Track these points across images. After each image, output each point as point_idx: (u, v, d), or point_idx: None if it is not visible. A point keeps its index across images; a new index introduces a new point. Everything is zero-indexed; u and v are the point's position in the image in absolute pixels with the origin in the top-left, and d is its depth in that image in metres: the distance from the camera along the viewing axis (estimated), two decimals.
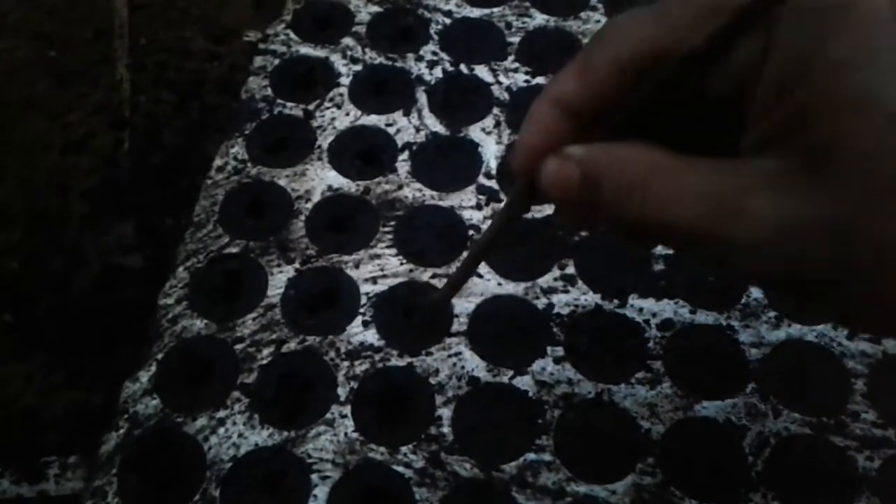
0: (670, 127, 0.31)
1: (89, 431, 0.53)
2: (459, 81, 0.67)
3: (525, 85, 0.67)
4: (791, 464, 0.50)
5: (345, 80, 0.67)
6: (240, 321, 0.56)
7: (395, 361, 0.54)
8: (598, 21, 0.70)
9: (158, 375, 0.54)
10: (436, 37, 0.70)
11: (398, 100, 0.66)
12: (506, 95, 0.66)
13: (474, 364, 0.54)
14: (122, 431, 0.52)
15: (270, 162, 0.63)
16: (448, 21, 0.71)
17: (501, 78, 0.67)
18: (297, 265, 0.58)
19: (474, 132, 0.64)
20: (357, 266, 0.58)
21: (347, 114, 0.65)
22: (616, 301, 0.56)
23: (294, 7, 0.72)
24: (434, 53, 0.69)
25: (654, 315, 0.56)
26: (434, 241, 0.59)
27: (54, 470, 0.52)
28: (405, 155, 0.63)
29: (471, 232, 0.59)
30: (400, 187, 0.61)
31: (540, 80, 0.67)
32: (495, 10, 0.71)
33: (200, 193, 0.62)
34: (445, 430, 0.52)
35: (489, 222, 0.46)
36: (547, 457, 0.51)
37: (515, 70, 0.68)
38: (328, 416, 0.52)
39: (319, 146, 0.64)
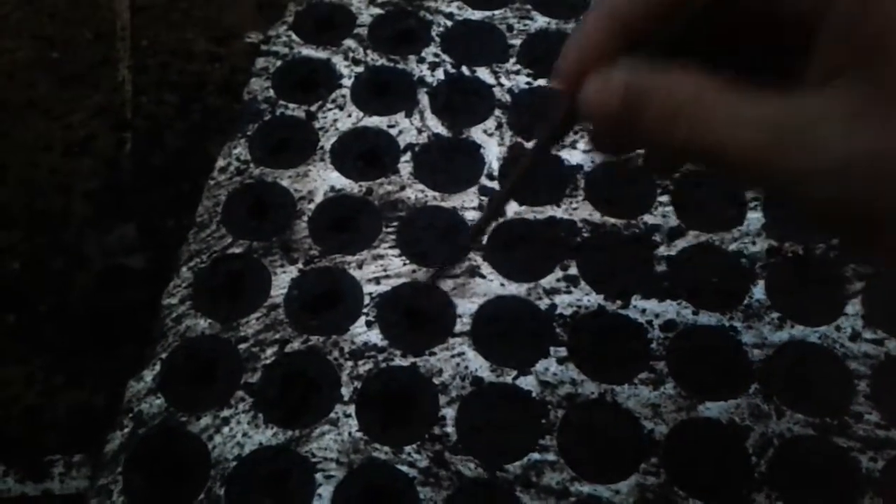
0: (728, 60, 0.30)
1: (93, 431, 0.53)
2: (461, 83, 0.67)
3: (526, 87, 0.67)
4: (794, 464, 0.50)
5: (347, 82, 0.68)
6: (243, 321, 0.56)
7: (399, 361, 0.54)
8: None
9: (162, 375, 0.54)
10: (437, 39, 0.70)
11: (400, 101, 0.66)
12: (507, 97, 0.66)
13: (478, 364, 0.54)
14: (126, 430, 0.52)
15: (273, 163, 0.63)
16: (450, 23, 0.71)
17: (503, 80, 0.67)
18: (300, 265, 0.58)
19: (476, 134, 0.64)
20: (360, 266, 0.58)
21: (349, 115, 0.66)
22: (619, 302, 0.57)
23: (296, 9, 0.72)
24: (436, 55, 0.69)
25: (656, 316, 0.56)
26: (436, 241, 0.59)
27: (59, 469, 0.52)
28: (407, 156, 0.63)
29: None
30: (402, 188, 0.62)
31: (541, 82, 0.67)
32: (497, 12, 0.72)
33: (203, 194, 0.62)
34: (449, 429, 0.52)
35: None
36: (551, 457, 0.51)
37: (517, 72, 0.68)
38: (332, 415, 0.52)
39: (322, 147, 0.64)
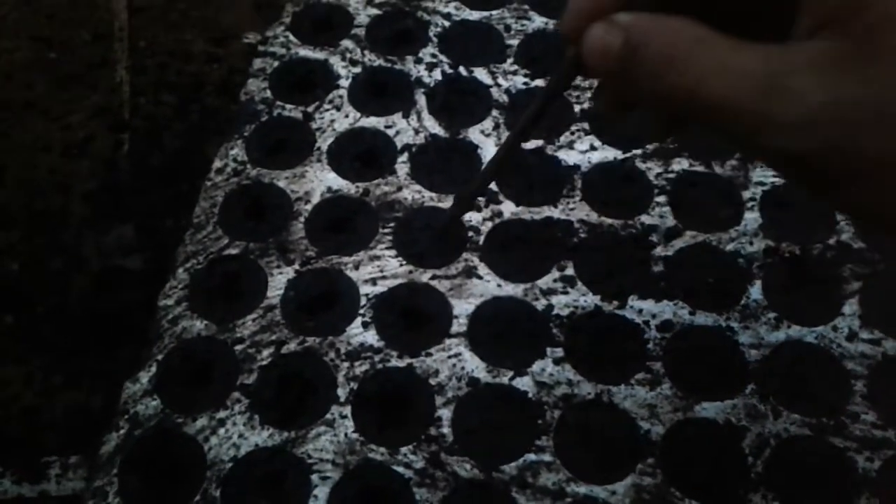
0: (724, 12, 0.31)
1: (90, 432, 0.53)
2: (458, 84, 0.67)
3: (524, 87, 0.67)
4: (791, 465, 0.50)
5: (344, 83, 0.68)
6: (240, 322, 0.56)
7: (395, 362, 0.54)
8: None
9: (159, 376, 0.54)
10: (435, 39, 0.70)
11: (397, 102, 0.66)
12: (505, 98, 0.66)
13: (474, 365, 0.54)
14: (122, 432, 0.52)
15: (270, 164, 0.63)
16: (447, 23, 0.71)
17: (500, 80, 0.67)
18: (296, 266, 0.58)
19: (473, 134, 0.64)
20: (357, 267, 0.58)
21: (347, 116, 0.66)
22: (615, 302, 0.57)
23: (293, 9, 0.72)
24: (433, 56, 0.69)
25: (653, 316, 0.56)
26: (433, 242, 0.59)
27: (55, 470, 0.52)
28: (404, 157, 0.63)
29: (470, 233, 0.59)
30: (399, 189, 0.62)
31: (539, 82, 0.67)
32: (494, 12, 0.72)
33: (200, 195, 0.62)
34: (445, 430, 0.52)
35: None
36: (547, 457, 0.51)
37: (514, 72, 0.68)
38: (328, 416, 0.52)
39: (319, 148, 0.64)
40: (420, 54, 0.69)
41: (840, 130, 0.27)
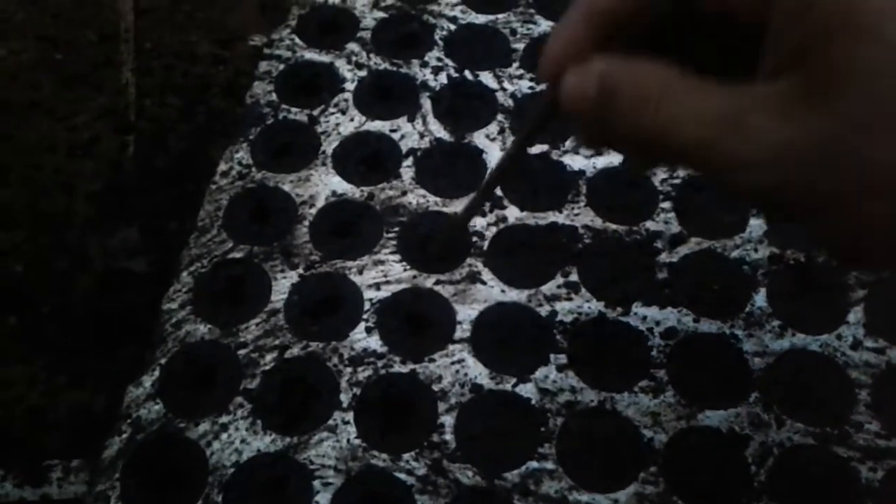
0: (695, 52, 0.32)
1: (92, 435, 0.53)
2: (464, 88, 0.67)
3: (529, 91, 0.67)
4: (794, 474, 0.50)
5: (349, 86, 0.68)
6: (243, 326, 0.56)
7: (398, 368, 0.54)
8: None
9: (161, 380, 0.54)
10: (440, 43, 0.70)
11: (402, 106, 0.66)
12: (510, 102, 0.66)
13: (477, 371, 0.54)
14: (125, 436, 0.52)
15: (275, 167, 0.63)
16: (453, 27, 0.71)
17: (506, 84, 0.67)
18: (300, 271, 0.58)
19: (479, 138, 0.64)
20: (361, 272, 0.58)
21: (352, 119, 0.66)
22: (619, 309, 0.56)
23: (299, 12, 0.72)
24: (439, 59, 0.69)
25: (657, 323, 0.56)
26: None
27: (57, 473, 0.52)
28: (409, 161, 0.63)
29: (475, 238, 0.59)
30: (404, 193, 0.62)
31: (544, 86, 0.67)
32: (500, 16, 0.71)
33: (205, 198, 0.62)
34: (448, 437, 0.52)
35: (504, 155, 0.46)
36: (549, 465, 0.51)
37: (520, 77, 0.68)
38: (331, 422, 0.52)
39: (324, 152, 0.64)
40: (426, 58, 0.69)
41: (794, 169, 0.27)
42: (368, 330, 0.56)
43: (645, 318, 0.56)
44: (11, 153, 0.66)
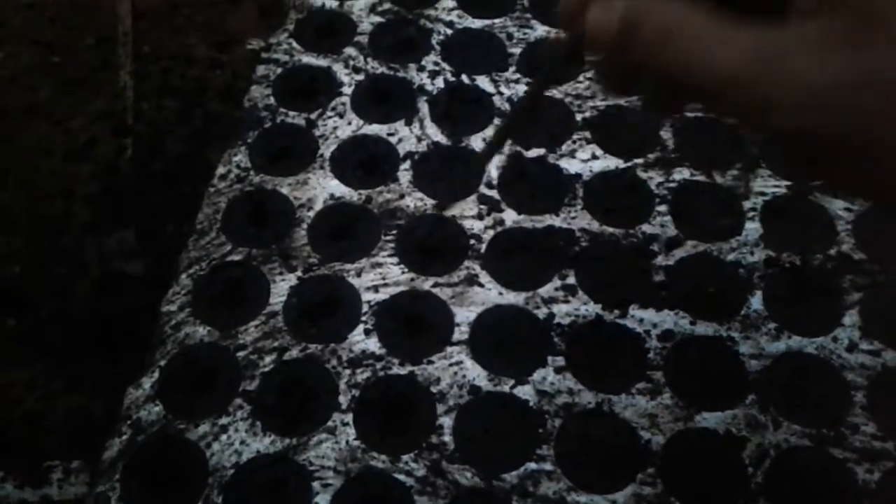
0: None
1: (92, 437, 0.53)
2: (461, 92, 0.68)
3: (526, 96, 0.67)
4: (790, 476, 0.51)
5: (347, 90, 0.68)
6: (242, 329, 0.56)
7: (397, 370, 0.54)
8: None
9: (161, 382, 0.54)
10: (438, 47, 0.70)
11: (400, 109, 0.67)
12: (507, 106, 0.67)
13: (475, 373, 0.54)
14: (125, 437, 0.52)
15: (273, 170, 0.63)
16: (450, 31, 0.71)
17: (503, 88, 0.68)
18: (299, 273, 0.58)
19: (476, 142, 0.65)
20: (359, 274, 0.58)
21: (349, 123, 0.66)
22: (617, 311, 0.57)
23: (297, 16, 0.72)
24: (436, 64, 0.69)
25: (654, 326, 0.56)
26: (435, 250, 0.59)
27: (58, 475, 0.52)
28: (407, 164, 0.63)
29: (472, 241, 0.59)
30: (402, 196, 0.62)
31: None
32: (497, 21, 0.72)
33: (203, 201, 0.62)
34: (446, 438, 0.52)
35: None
36: (547, 466, 0.51)
37: (517, 81, 0.68)
38: (330, 423, 0.52)
39: (322, 155, 0.64)
40: (423, 62, 0.69)
41: (831, 110, 0.27)
42: (367, 332, 0.56)
43: (642, 320, 0.56)
44: (9, 157, 0.66)
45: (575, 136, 0.65)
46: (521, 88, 0.68)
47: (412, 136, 0.65)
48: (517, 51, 0.70)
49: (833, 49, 0.27)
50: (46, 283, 0.60)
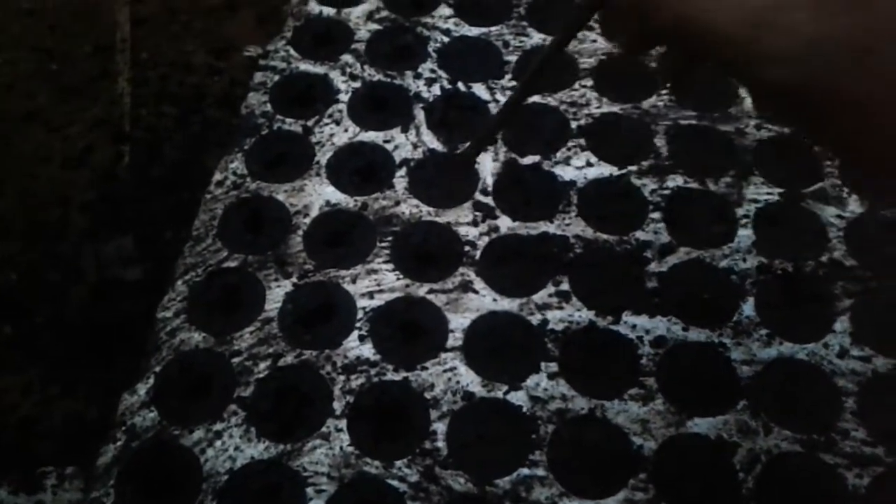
0: None
1: (86, 443, 0.53)
2: (457, 99, 0.68)
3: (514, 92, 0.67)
4: (781, 481, 0.51)
5: (344, 97, 0.68)
6: (237, 335, 0.56)
7: (391, 376, 0.55)
8: (595, 41, 0.71)
9: (156, 388, 0.54)
10: (434, 55, 0.71)
11: (396, 117, 0.67)
12: None
13: (469, 379, 0.54)
14: (119, 443, 0.52)
15: (269, 177, 0.64)
16: (446, 39, 0.72)
17: (498, 96, 0.68)
18: (294, 279, 0.59)
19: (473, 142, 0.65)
20: (354, 281, 0.58)
21: (346, 130, 0.66)
22: (610, 318, 0.57)
23: (294, 24, 0.73)
24: (432, 71, 0.70)
25: (647, 332, 0.56)
26: (430, 256, 0.60)
27: (52, 481, 0.52)
28: (403, 171, 0.64)
29: (467, 248, 0.60)
30: (397, 203, 0.62)
31: (536, 98, 0.67)
32: (493, 28, 0.72)
33: (200, 208, 0.62)
34: (440, 444, 0.52)
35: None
36: (540, 472, 0.51)
37: (512, 88, 0.68)
38: (324, 429, 0.52)
39: (318, 162, 0.64)
40: (419, 69, 0.70)
41: (823, 66, 0.29)
42: (361, 338, 0.56)
43: (635, 326, 0.57)
44: (6, 163, 0.67)
45: (569, 144, 0.65)
46: None
47: (408, 143, 0.65)
48: (513, 59, 0.70)
49: (824, 8, 0.28)
50: (43, 289, 0.61)
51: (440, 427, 0.53)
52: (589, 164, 0.64)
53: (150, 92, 0.71)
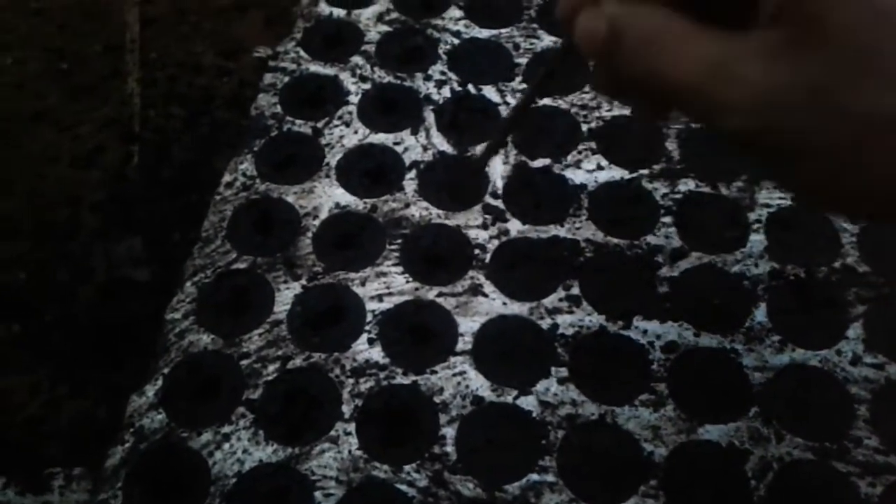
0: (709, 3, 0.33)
1: (94, 444, 0.53)
2: (467, 101, 0.68)
3: (532, 106, 0.67)
4: (793, 489, 0.51)
5: (353, 99, 0.68)
6: (246, 337, 0.56)
7: (400, 379, 0.54)
8: None
9: (164, 390, 0.54)
10: (444, 57, 0.70)
11: (406, 119, 0.67)
12: None
13: (479, 383, 0.54)
14: (127, 445, 0.52)
15: (279, 179, 0.63)
16: (457, 41, 0.71)
17: (509, 98, 0.68)
18: (303, 282, 0.58)
19: (481, 152, 0.65)
20: (363, 283, 0.58)
21: (356, 132, 0.66)
22: (620, 322, 0.57)
23: (304, 25, 0.73)
24: (442, 73, 0.69)
25: (658, 337, 0.56)
26: (440, 259, 0.59)
27: (59, 482, 0.52)
28: (412, 173, 0.64)
29: (476, 251, 0.59)
30: (407, 206, 0.62)
31: (547, 101, 0.67)
32: (503, 30, 0.72)
33: (209, 209, 0.62)
34: (449, 449, 0.52)
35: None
36: (550, 478, 0.51)
37: (523, 91, 0.68)
38: (332, 433, 0.52)
39: (328, 164, 0.64)
40: (429, 71, 0.69)
41: (776, 115, 0.29)
42: (370, 341, 0.56)
43: (646, 331, 0.56)
44: (16, 163, 0.66)
45: (580, 147, 0.65)
46: None
47: (418, 145, 0.65)
48: (524, 61, 0.70)
49: (777, 59, 0.29)
50: (52, 289, 0.60)
51: (449, 431, 0.52)
52: (600, 168, 0.64)
53: (158, 93, 0.71)
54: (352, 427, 0.52)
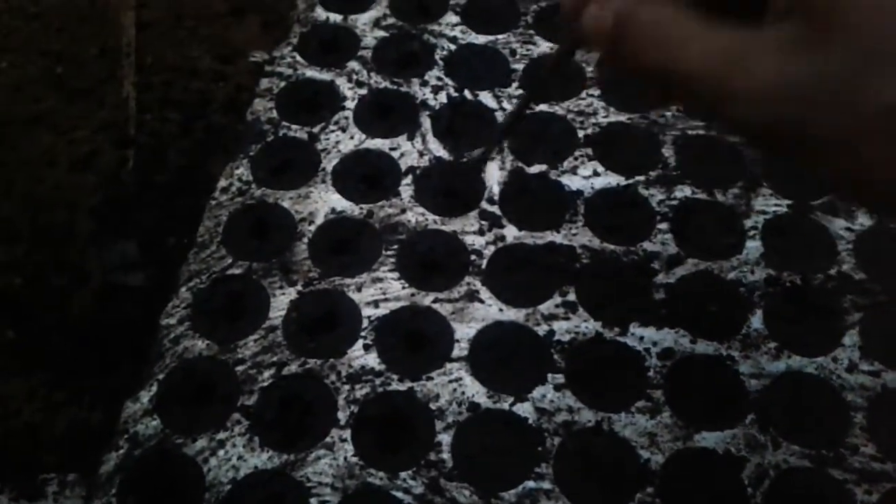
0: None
1: (89, 450, 0.53)
2: (463, 107, 0.68)
3: (528, 112, 0.67)
4: (790, 496, 0.50)
5: (350, 104, 0.68)
6: (241, 343, 0.56)
7: (396, 386, 0.54)
8: None
9: (159, 396, 0.54)
10: (441, 62, 0.70)
11: (402, 124, 0.67)
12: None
13: (475, 390, 0.54)
14: (122, 451, 0.52)
15: (274, 184, 0.63)
16: (453, 47, 0.71)
17: (505, 104, 0.68)
18: (299, 287, 0.58)
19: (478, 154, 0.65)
20: (359, 289, 0.58)
21: (352, 137, 0.66)
22: (617, 329, 0.57)
23: (301, 30, 0.73)
24: (439, 79, 0.69)
25: (654, 344, 0.56)
26: (436, 265, 0.59)
27: (53, 488, 0.52)
28: (408, 179, 0.63)
29: (473, 257, 0.59)
30: (403, 211, 0.62)
31: (543, 107, 0.67)
32: (500, 36, 0.72)
33: (204, 214, 0.62)
34: (445, 455, 0.52)
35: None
36: (546, 485, 0.51)
37: (519, 97, 0.68)
38: (328, 439, 0.52)
39: (323, 169, 0.64)
40: (426, 77, 0.69)
41: (789, 107, 0.29)
42: (366, 347, 0.56)
43: (642, 338, 0.56)
44: (12, 167, 0.66)
45: (577, 153, 0.65)
46: None
47: (414, 150, 0.65)
48: (520, 67, 0.70)
49: (789, 53, 0.29)
50: (47, 294, 0.60)
51: (445, 438, 0.52)
52: (596, 174, 0.64)
53: (154, 97, 0.71)
54: (347, 433, 0.52)
